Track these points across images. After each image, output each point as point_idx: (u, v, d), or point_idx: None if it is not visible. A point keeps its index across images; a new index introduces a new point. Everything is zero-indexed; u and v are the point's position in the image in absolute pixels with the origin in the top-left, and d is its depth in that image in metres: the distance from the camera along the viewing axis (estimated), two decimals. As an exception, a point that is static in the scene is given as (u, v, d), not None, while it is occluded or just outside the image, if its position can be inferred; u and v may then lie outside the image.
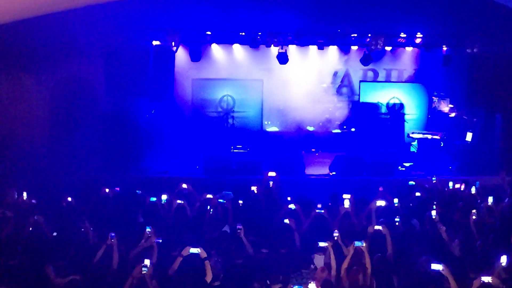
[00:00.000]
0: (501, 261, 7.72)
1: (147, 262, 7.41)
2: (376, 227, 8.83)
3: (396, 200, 11.11)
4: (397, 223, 9.64)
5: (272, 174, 12.94)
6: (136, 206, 10.75)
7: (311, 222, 9.89)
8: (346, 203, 10.15)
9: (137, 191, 11.82)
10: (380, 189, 12.05)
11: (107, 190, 11.55)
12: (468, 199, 11.95)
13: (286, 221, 9.36)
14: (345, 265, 8.01)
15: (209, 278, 7.54)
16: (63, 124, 16.37)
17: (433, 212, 9.93)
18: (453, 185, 13.22)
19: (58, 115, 16.59)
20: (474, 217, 9.90)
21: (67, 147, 15.86)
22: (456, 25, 17.03)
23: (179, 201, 10.62)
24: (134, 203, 10.96)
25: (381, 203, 10.16)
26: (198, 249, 7.67)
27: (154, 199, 10.76)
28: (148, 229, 8.70)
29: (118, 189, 12.12)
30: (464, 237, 9.24)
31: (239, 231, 8.85)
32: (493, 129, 17.48)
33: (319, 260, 8.43)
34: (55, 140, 16.51)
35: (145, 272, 7.28)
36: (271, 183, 12.38)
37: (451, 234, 9.18)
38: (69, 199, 10.89)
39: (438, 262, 7.40)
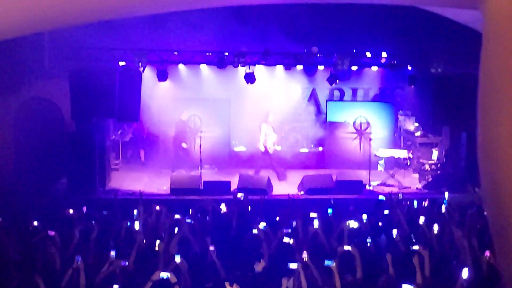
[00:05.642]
0: (462, 274, 7.80)
1: (115, 287, 7.30)
2: (346, 247, 8.83)
3: (364, 217, 11.15)
4: (368, 244, 9.63)
5: (240, 194, 12.92)
6: (104, 229, 10.61)
7: (280, 243, 9.86)
8: (315, 223, 10.14)
9: (103, 212, 11.72)
10: (351, 208, 12.10)
11: (71, 211, 11.42)
12: (435, 216, 12.07)
13: (255, 231, 9.34)
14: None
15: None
16: (28, 145, 16.19)
17: (394, 232, 10.01)
18: (420, 203, 13.35)
19: (22, 136, 16.41)
20: (435, 232, 10.01)
21: (32, 169, 15.67)
22: (420, 45, 17.28)
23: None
24: (102, 226, 10.80)
25: (353, 224, 10.16)
26: (168, 273, 7.58)
27: (128, 223, 10.62)
28: (112, 253, 8.58)
29: (85, 208, 12.01)
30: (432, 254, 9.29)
31: (211, 252, 8.79)
32: (458, 147, 17.67)
33: (287, 284, 8.35)
34: (20, 162, 16.32)
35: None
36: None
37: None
38: (35, 223, 10.73)
39: (410, 283, 7.42)
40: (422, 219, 11.51)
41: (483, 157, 1.45)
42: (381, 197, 13.72)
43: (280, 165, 18.49)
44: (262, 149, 18.24)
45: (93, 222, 10.88)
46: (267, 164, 18.34)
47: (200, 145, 17.73)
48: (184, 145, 18.50)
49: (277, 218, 11.48)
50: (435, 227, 10.16)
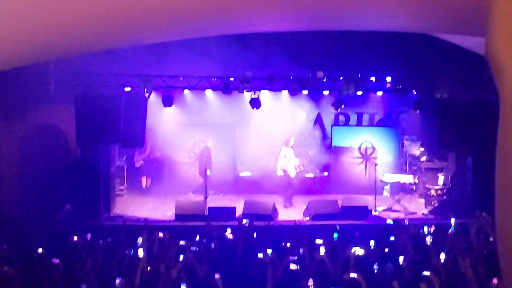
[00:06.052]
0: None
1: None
2: (352, 275, 8.74)
3: (372, 243, 11.07)
4: (375, 271, 9.55)
5: (245, 220, 12.84)
6: (109, 256, 10.53)
7: (286, 270, 9.77)
8: (321, 250, 10.06)
9: (108, 239, 11.65)
10: (357, 234, 12.02)
11: (75, 238, 11.36)
12: (441, 242, 11.96)
13: (260, 255, 9.26)
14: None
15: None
16: (33, 171, 16.18)
17: (401, 258, 9.92)
18: (428, 228, 13.25)
19: (28, 162, 16.41)
20: (442, 260, 9.91)
21: (37, 195, 15.64)
22: (425, 70, 17.29)
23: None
24: (107, 253, 10.74)
25: (359, 251, 10.09)
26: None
27: (131, 252, 10.55)
28: (117, 281, 8.51)
29: (89, 235, 11.94)
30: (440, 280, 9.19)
31: (217, 281, 8.71)
32: (464, 172, 17.59)
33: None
34: (25, 188, 16.29)
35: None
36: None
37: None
38: (40, 250, 10.66)
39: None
40: (428, 240, 11.43)
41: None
42: (389, 221, 13.64)
43: (294, 191, 18.47)
44: (280, 173, 18.24)
45: (97, 249, 10.82)
46: (288, 189, 18.28)
47: (206, 170, 17.73)
48: (208, 172, 18.30)
49: (283, 244, 11.38)
50: (442, 254, 10.06)
